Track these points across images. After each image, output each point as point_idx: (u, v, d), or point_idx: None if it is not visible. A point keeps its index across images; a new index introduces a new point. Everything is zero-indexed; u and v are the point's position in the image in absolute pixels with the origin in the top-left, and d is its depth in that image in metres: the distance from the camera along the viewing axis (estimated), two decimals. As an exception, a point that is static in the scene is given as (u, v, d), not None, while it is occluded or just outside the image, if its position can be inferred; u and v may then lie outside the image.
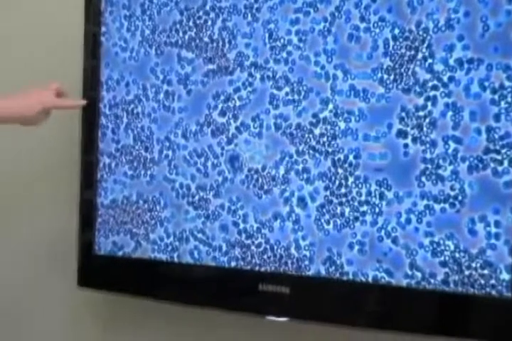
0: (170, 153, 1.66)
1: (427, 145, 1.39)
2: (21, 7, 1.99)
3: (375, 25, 1.44)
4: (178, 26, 1.65)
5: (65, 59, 1.86)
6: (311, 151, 1.50)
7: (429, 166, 1.39)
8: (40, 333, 1.98)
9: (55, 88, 1.67)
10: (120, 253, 1.73)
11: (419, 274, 1.40)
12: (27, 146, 1.96)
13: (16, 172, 2.00)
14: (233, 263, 1.59)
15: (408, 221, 1.41)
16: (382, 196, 1.43)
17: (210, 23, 1.61)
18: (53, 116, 1.87)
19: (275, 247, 1.54)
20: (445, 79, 1.37)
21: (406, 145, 1.41)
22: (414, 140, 1.40)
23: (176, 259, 1.65)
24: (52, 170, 1.94)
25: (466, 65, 1.35)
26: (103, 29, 1.74)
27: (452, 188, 1.37)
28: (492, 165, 1.33)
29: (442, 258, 1.38)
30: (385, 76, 1.43)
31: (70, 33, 1.82)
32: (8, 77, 2.00)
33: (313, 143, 1.50)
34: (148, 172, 1.69)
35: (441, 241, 1.38)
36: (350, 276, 1.47)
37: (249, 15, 1.57)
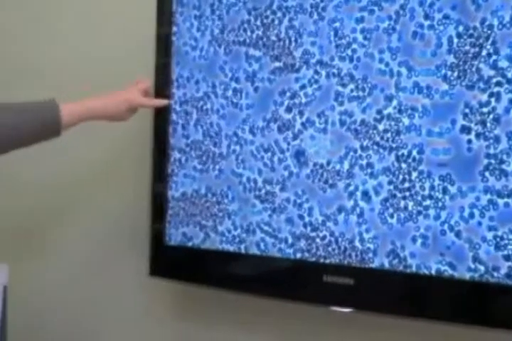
0: (238, 148, 1.68)
1: (491, 141, 1.37)
2: (99, 9, 2.03)
3: (439, 22, 1.43)
4: (246, 25, 1.66)
5: (139, 58, 1.88)
6: (375, 147, 1.50)
7: (493, 161, 1.37)
8: (113, 320, 2.02)
9: (143, 87, 1.71)
10: (190, 244, 1.75)
11: (482, 268, 1.39)
12: (103, 143, 2.00)
13: (93, 168, 2.03)
14: (298, 255, 1.60)
15: (471, 215, 1.40)
16: (445, 191, 1.42)
17: (277, 22, 1.62)
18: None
19: (339, 240, 1.55)
20: (509, 75, 1.36)
21: (470, 141, 1.40)
22: (478, 136, 1.39)
23: (243, 250, 1.67)
24: (126, 165, 1.97)
25: (530, 62, 1.33)
26: (174, 29, 1.77)
27: (516, 183, 1.35)
28: (557, 160, 1.31)
29: (506, 252, 1.37)
30: (449, 73, 1.42)
31: (143, 34, 1.85)
32: (87, 75, 2.04)
33: (378, 138, 1.50)
34: (217, 167, 1.71)
35: (505, 236, 1.37)
36: (414, 269, 1.46)
37: (315, 14, 1.57)
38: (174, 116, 1.77)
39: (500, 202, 1.37)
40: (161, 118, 1.79)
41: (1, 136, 1.53)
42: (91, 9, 2.04)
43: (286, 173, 1.61)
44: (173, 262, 1.80)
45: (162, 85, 1.77)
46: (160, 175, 1.79)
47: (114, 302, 2.01)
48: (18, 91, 2.00)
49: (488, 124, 1.38)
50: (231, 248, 1.68)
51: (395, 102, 1.48)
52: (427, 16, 1.44)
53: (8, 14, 2.17)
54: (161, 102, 1.74)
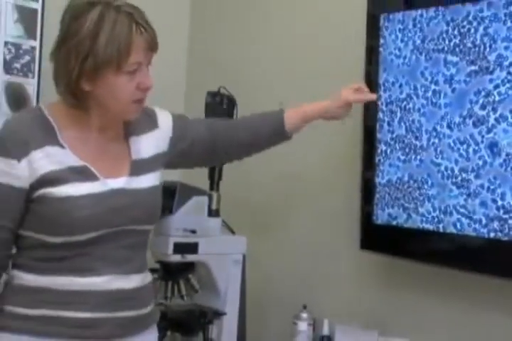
0: (436, 141, 1.68)
1: None
2: (315, 26, 2.11)
3: None
4: (444, 35, 1.67)
5: (351, 65, 1.93)
6: None
7: None
8: (327, 288, 2.05)
9: (355, 86, 1.66)
10: (394, 223, 1.77)
11: None
12: (319, 141, 2.04)
13: (314, 163, 2.08)
14: (492, 234, 1.58)
15: None
16: None
17: (472, 30, 1.61)
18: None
19: (530, 221, 1.51)
20: None
21: None
22: None
23: (441, 229, 1.67)
24: (341, 157, 1.99)
25: None
26: (381, 41, 1.80)
27: None
28: None
29: None
30: None
31: (355, 45, 1.90)
32: (300, 80, 2.12)
33: None
34: (418, 157, 1.72)
35: None
36: None
37: (509, 21, 1.54)
38: (381, 115, 1.81)
39: None
40: (370, 116, 1.83)
41: (241, 152, 1.60)
42: (312, 24, 2.12)
43: (480, 162, 1.60)
44: (379, 238, 1.84)
45: (371, 89, 1.80)
46: (369, 164, 1.83)
47: (330, 272, 2.04)
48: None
49: None
50: (430, 227, 1.69)
51: None
52: None
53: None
54: (372, 96, 1.68)
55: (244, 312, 1.94)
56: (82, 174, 1.31)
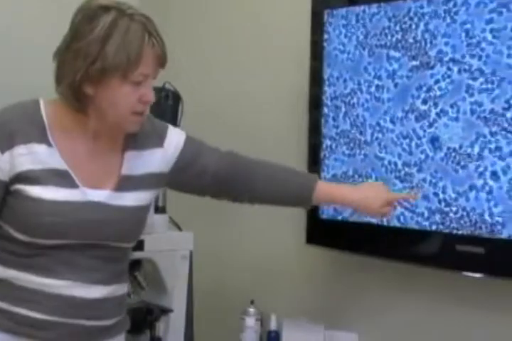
0: (380, 135, 1.68)
1: None
2: (260, 22, 2.09)
3: None
4: (386, 31, 1.66)
5: (296, 61, 1.92)
6: (503, 132, 1.47)
7: None
8: (275, 283, 2.03)
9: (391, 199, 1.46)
10: (339, 217, 1.77)
11: None
12: (266, 136, 2.03)
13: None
14: (434, 227, 1.59)
15: None
16: None
17: (414, 26, 1.61)
18: (286, 108, 1.93)
19: (471, 214, 1.52)
20: None
21: None
22: None
23: (385, 223, 1.67)
24: (285, 153, 1.95)
25: None
26: (325, 36, 1.79)
27: None
28: None
29: None
30: None
31: (300, 41, 1.89)
32: (246, 75, 2.09)
33: (506, 125, 1.46)
34: (362, 152, 1.72)
35: None
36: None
37: (448, 18, 1.55)
38: (326, 110, 1.80)
39: None
40: (315, 112, 1.82)
41: (245, 198, 1.44)
42: (253, 23, 2.10)
43: (422, 156, 1.60)
44: (325, 233, 1.83)
45: (315, 84, 1.81)
46: (314, 159, 1.82)
47: (278, 265, 2.03)
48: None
49: None
50: (375, 221, 1.68)
51: (521, 92, 1.44)
52: (551, 15, 1.39)
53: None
54: (412, 195, 1.50)
55: (191, 308, 1.91)
56: (61, 178, 1.25)
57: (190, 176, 1.39)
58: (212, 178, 1.40)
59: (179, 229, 1.97)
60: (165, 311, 1.85)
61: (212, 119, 2.16)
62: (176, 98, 1.90)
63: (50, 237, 1.25)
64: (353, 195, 1.42)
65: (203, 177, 1.39)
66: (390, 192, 1.47)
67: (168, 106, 1.88)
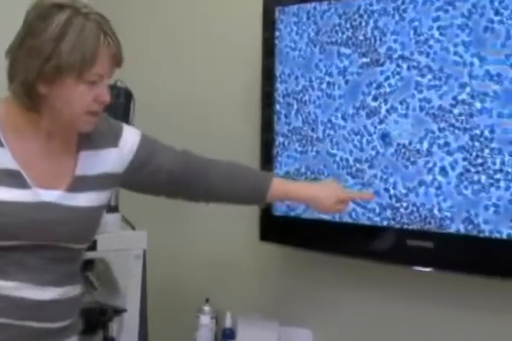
0: (332, 132, 1.68)
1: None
2: (211, 20, 2.07)
3: (508, 17, 1.39)
4: (337, 28, 1.66)
5: (248, 58, 1.91)
6: (451, 128, 1.48)
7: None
8: (229, 281, 2.01)
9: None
10: (292, 214, 1.76)
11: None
12: (219, 133, 2.03)
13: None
14: (385, 222, 1.60)
15: (538, 186, 1.35)
16: (514, 165, 1.39)
17: (364, 24, 1.61)
18: (238, 105, 1.93)
19: (420, 209, 1.53)
20: None
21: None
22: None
23: (337, 219, 1.67)
24: (238, 151, 1.95)
25: None
26: (277, 34, 1.78)
27: None
28: None
29: None
30: (517, 61, 1.37)
31: (251, 38, 1.88)
32: (198, 73, 2.08)
33: (453, 121, 1.48)
34: (314, 149, 1.72)
35: None
36: (487, 233, 1.44)
37: (397, 15, 1.56)
38: (278, 107, 1.79)
39: None
40: (267, 109, 1.81)
41: (201, 196, 1.43)
42: (206, 21, 2.08)
43: (373, 153, 1.61)
44: (279, 229, 1.82)
45: (268, 81, 1.80)
46: (267, 156, 1.82)
47: (232, 263, 2.03)
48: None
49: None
50: (327, 217, 1.68)
51: (468, 89, 1.45)
52: (497, 12, 1.40)
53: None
54: (366, 195, 1.55)
55: (145, 308, 1.88)
56: (13, 179, 1.22)
57: (145, 175, 1.38)
58: (167, 177, 1.38)
59: (132, 228, 1.93)
60: (118, 311, 1.82)
61: (164, 117, 2.14)
62: (128, 96, 1.87)
63: (1, 238, 1.21)
64: (308, 192, 1.44)
65: (157, 176, 1.38)
66: (345, 190, 1.49)
67: (119, 104, 1.85)
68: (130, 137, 1.36)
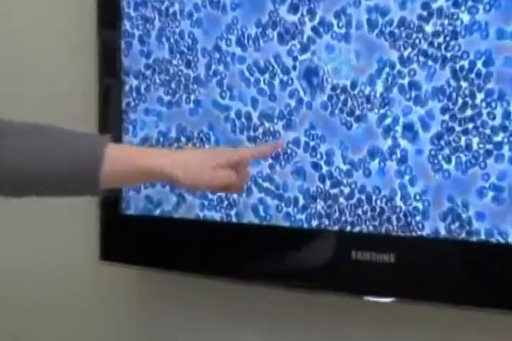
0: (221, 68, 1.70)
1: None
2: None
3: None
4: None
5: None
6: (421, 58, 1.49)
7: None
8: (59, 319, 2.15)
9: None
10: (157, 212, 1.79)
11: None
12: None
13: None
14: (315, 223, 1.61)
15: None
16: (526, 118, 1.42)
17: None
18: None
19: (373, 198, 1.55)
20: None
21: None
22: None
23: (233, 219, 1.70)
24: (59, 103, 2.07)
25: None
26: None
27: None
28: None
29: None
30: None
31: None
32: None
33: (425, 45, 1.49)
34: (192, 97, 1.74)
35: None
36: (483, 236, 1.45)
37: None
38: (127, 25, 1.80)
39: None
40: (109, 29, 1.84)
41: (26, 190, 1.51)
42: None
43: (292, 103, 1.62)
44: (132, 239, 1.86)
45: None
46: (109, 112, 1.86)
47: (62, 297, 2.14)
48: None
49: None
50: (217, 216, 1.72)
51: (449, -10, 1.48)
52: None
53: None
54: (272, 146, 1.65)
55: None
56: None
57: None
58: None
59: None
60: None
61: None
62: None
63: None
64: (167, 160, 1.50)
65: None
66: (228, 151, 1.57)
67: None
68: None
